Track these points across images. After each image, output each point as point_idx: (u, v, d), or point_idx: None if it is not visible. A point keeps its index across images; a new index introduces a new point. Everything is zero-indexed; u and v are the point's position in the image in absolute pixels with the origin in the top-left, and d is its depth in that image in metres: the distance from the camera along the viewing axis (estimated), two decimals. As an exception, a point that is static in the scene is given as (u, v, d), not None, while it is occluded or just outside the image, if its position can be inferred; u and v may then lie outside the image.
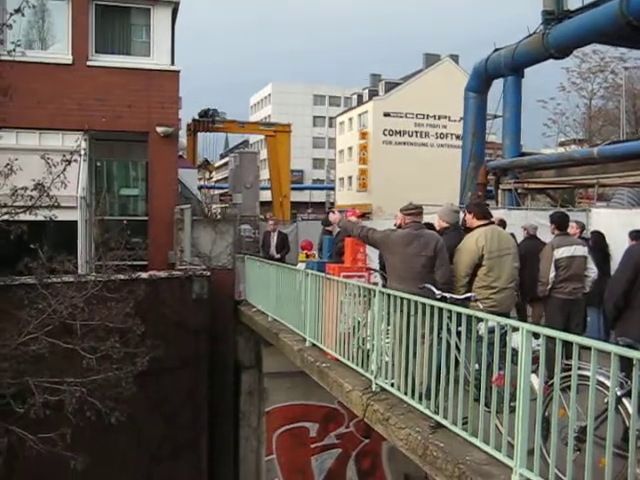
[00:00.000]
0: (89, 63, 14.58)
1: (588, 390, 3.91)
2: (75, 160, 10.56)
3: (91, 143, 14.83)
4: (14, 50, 9.86)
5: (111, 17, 15.27)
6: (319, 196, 65.05)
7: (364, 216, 12.04)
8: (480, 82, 22.15)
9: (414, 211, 6.76)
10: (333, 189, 66.77)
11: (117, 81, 14.63)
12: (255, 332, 12.92)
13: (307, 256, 11.63)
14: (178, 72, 15.26)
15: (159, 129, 14.69)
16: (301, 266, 10.05)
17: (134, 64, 14.88)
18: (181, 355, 12.75)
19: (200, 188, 38.96)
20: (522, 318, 10.57)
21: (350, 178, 64.49)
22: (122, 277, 10.79)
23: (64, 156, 10.16)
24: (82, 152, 13.87)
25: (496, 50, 21.40)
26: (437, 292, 5.87)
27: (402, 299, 6.14)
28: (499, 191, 20.83)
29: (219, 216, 18.37)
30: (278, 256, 13.73)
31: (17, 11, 9.09)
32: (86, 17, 14.59)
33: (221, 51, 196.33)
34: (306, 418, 13.74)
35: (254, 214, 31.07)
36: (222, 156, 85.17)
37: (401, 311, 6.17)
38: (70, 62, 14.46)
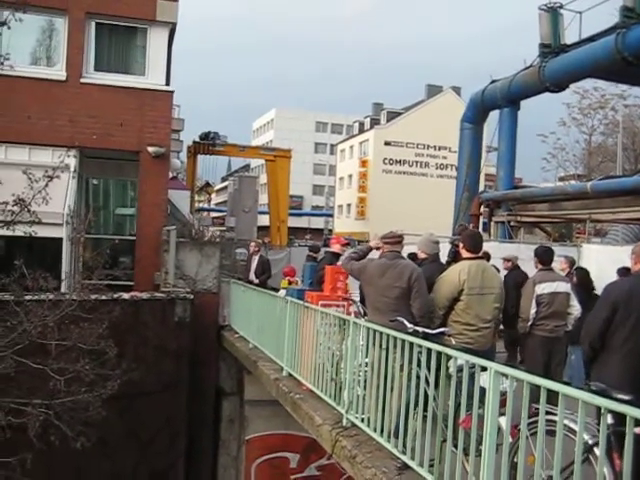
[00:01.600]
0: (82, 80, 14.44)
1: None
2: (58, 176, 10.35)
3: (82, 160, 14.66)
4: (1, 63, 9.71)
5: (108, 35, 15.18)
6: (318, 222, 65.05)
7: (348, 245, 11.84)
8: (476, 113, 22.07)
9: (391, 240, 6.51)
10: (332, 216, 66.72)
11: (110, 99, 14.49)
12: (237, 358, 12.63)
13: (289, 283, 11.38)
14: (172, 93, 15.14)
15: (150, 149, 14.52)
16: (282, 293, 9.78)
17: (128, 82, 14.75)
18: (160, 379, 12.43)
19: (199, 210, 38.94)
20: (512, 354, 10.33)
21: (349, 206, 64.48)
22: (99, 297, 10.47)
23: (46, 172, 9.94)
24: (71, 169, 13.76)
25: (493, 82, 21.34)
26: (409, 325, 5.61)
27: (375, 332, 5.89)
28: (492, 223, 20.63)
29: (217, 239, 18.15)
30: (257, 281, 13.47)
31: (2, 24, 8.92)
32: (82, 34, 14.49)
33: (225, 74, 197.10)
34: (286, 448, 13.34)
35: (252, 238, 30.90)
36: (224, 179, 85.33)
37: (374, 344, 5.91)
38: (64, 79, 14.33)
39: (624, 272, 9.21)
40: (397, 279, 6.18)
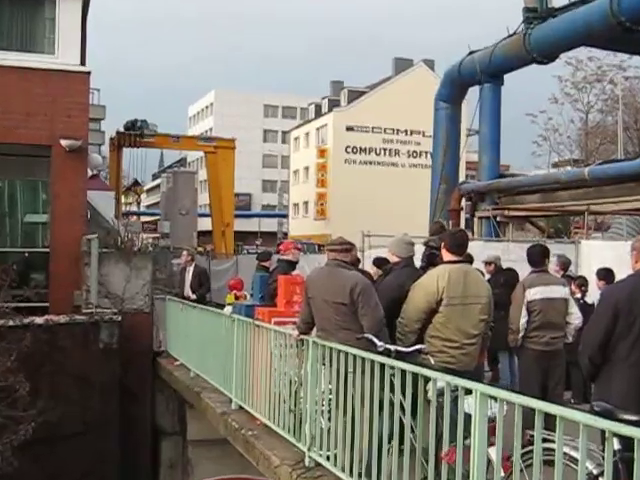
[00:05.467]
0: (-23, 61, 14.19)
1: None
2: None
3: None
4: None
5: (9, 6, 14.92)
6: (270, 225, 64.96)
7: (301, 251, 11.94)
8: (452, 90, 22.34)
9: (338, 247, 6.45)
10: (286, 216, 66.74)
11: (12, 83, 14.21)
12: (177, 390, 12.54)
13: (236, 297, 11.34)
14: (88, 74, 14.95)
15: (64, 142, 14.29)
16: (228, 310, 9.76)
17: (34, 63, 14.47)
18: (85, 418, 12.33)
19: (126, 214, 38.53)
20: (497, 372, 10.46)
21: (306, 204, 64.62)
22: (6, 323, 10.32)
23: None
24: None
25: (471, 53, 21.61)
26: (379, 343, 5.62)
27: (339, 352, 5.89)
28: (475, 219, 20.85)
29: (149, 249, 17.98)
30: (194, 296, 13.49)
31: None
32: (-26, 7, 14.25)
33: (155, 52, 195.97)
34: (241, 495, 13.27)
35: (191, 246, 30.70)
36: (155, 176, 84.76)
37: (337, 367, 5.91)
38: (-48, 60, 14.06)
39: (605, 274, 9.38)
40: (338, 294, 6.16)
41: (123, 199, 37.07)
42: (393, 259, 7.08)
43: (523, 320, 7.37)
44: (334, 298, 6.18)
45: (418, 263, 7.34)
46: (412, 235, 7.71)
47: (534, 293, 7.43)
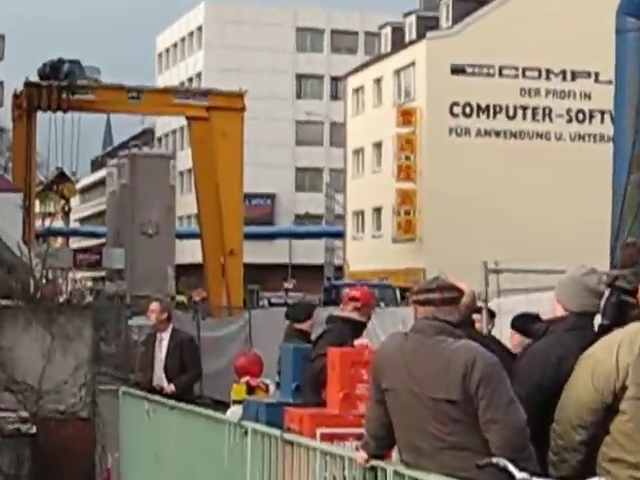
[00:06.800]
0: None
1: None
2: None
3: None
4: None
5: None
6: (311, 252, 65.27)
7: (371, 307, 11.99)
8: (650, -4, 22.32)
9: (435, 296, 6.45)
10: (341, 236, 66.65)
11: None
12: None
13: (250, 389, 11.49)
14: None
15: None
16: (235, 413, 9.88)
17: None
18: None
19: (43, 235, 39.12)
20: None
21: (378, 212, 64.59)
22: None
23: None
24: None
25: None
26: (520, 476, 5.61)
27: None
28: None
29: (87, 299, 18.35)
30: (171, 388, 13.67)
31: None
32: None
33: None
34: None
35: (163, 292, 31.16)
36: (98, 164, 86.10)
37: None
38: None
39: None
40: (439, 383, 6.15)
41: (38, 207, 37.65)
42: (558, 311, 7.00)
43: None
44: (432, 391, 6.17)
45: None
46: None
47: None
